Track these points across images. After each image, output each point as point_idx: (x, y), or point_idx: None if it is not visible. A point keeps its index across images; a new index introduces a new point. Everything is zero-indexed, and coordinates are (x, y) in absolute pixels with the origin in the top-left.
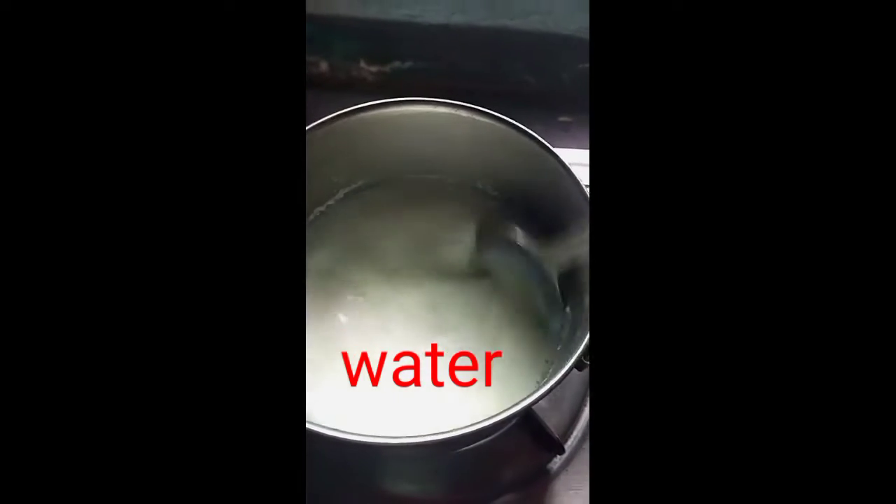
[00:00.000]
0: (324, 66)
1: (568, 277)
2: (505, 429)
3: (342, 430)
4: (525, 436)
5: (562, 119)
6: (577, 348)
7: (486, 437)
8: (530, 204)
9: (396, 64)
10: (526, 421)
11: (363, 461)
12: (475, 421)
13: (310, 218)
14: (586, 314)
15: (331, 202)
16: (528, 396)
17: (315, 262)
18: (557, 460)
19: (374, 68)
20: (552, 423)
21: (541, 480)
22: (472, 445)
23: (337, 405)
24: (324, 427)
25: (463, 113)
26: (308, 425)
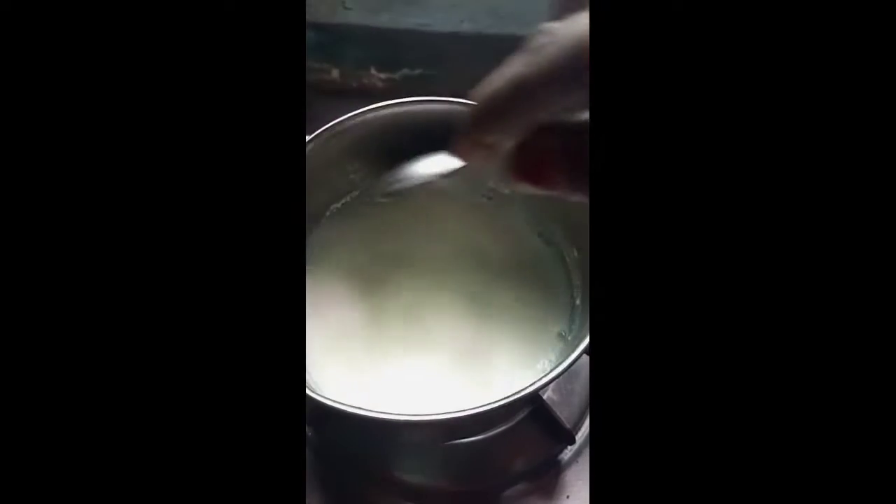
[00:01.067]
0: (335, 73)
1: (582, 266)
2: (516, 420)
3: (361, 406)
4: (536, 427)
5: None
6: (586, 336)
7: (497, 423)
8: (541, 199)
9: (406, 71)
10: (537, 412)
11: (376, 451)
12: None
13: (326, 214)
14: None
15: (347, 199)
16: (537, 381)
17: (325, 256)
18: (568, 451)
19: (384, 75)
20: (563, 415)
21: (552, 471)
22: (483, 436)
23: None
24: (339, 403)
25: None
26: (324, 400)
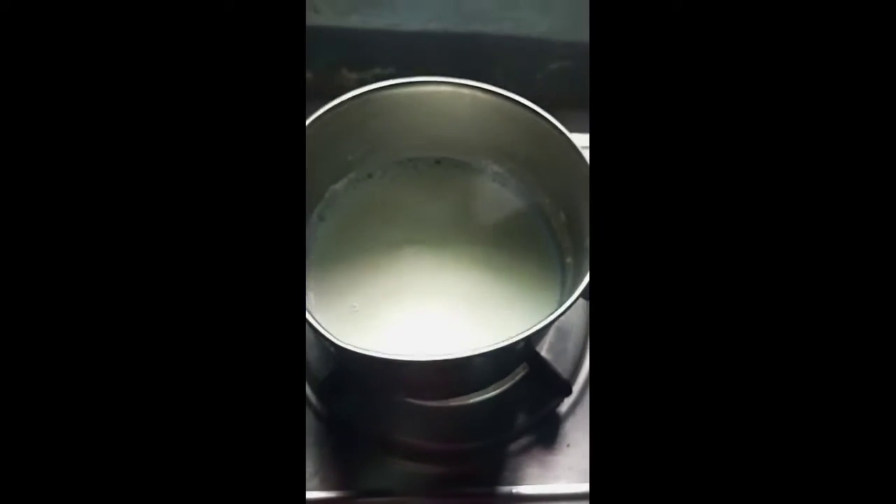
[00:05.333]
0: (307, 75)
1: (569, 229)
2: (517, 378)
3: (370, 349)
4: (535, 381)
5: None
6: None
7: (504, 373)
8: (531, 171)
9: (377, 70)
10: (535, 369)
11: (380, 416)
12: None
13: (326, 195)
14: (586, 259)
15: (344, 180)
16: (532, 327)
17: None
18: (566, 403)
19: (355, 76)
20: (559, 369)
21: (552, 422)
22: (488, 395)
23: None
24: (346, 344)
25: (464, 90)
26: (333, 338)
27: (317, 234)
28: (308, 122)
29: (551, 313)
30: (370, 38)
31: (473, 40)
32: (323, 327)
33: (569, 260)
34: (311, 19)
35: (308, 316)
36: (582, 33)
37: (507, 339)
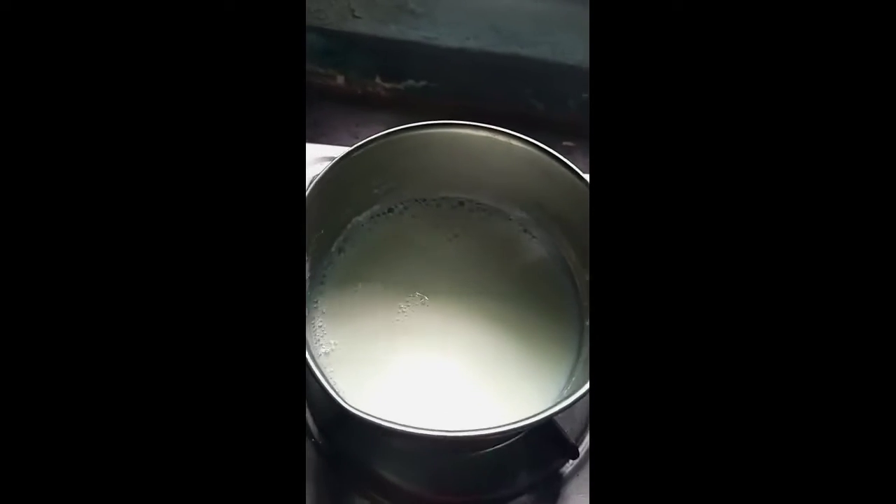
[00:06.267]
0: (340, 79)
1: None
2: (523, 433)
3: (380, 416)
4: (541, 441)
5: (565, 143)
6: None
7: (508, 439)
8: (559, 224)
9: (410, 82)
10: (543, 427)
11: (381, 459)
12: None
13: (348, 226)
14: None
15: (367, 212)
16: (554, 406)
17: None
18: (570, 464)
19: (388, 85)
20: (566, 429)
21: (554, 483)
22: (490, 449)
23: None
24: (360, 411)
25: (500, 137)
26: (343, 404)
27: (335, 266)
28: (339, 157)
29: (572, 393)
30: (407, 50)
31: (509, 61)
32: (331, 384)
33: (587, 323)
34: (350, 25)
35: (316, 371)
36: None
37: (521, 421)
